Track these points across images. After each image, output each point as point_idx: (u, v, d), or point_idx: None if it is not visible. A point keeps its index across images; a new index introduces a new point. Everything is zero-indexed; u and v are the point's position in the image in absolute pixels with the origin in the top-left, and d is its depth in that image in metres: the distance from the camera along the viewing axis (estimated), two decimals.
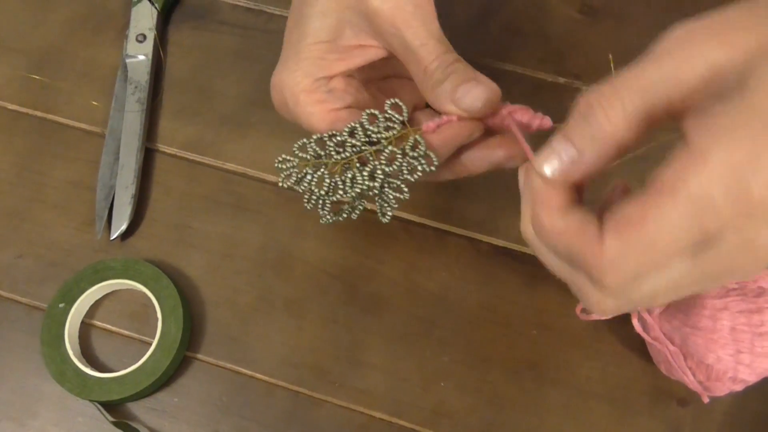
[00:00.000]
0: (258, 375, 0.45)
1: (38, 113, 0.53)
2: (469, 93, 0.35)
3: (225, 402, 0.45)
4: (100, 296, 0.48)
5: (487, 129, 0.38)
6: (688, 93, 0.27)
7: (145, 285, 0.46)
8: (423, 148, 0.36)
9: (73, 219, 0.50)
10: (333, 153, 0.37)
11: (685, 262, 0.27)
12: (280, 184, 0.38)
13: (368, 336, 0.46)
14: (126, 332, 0.47)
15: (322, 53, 0.37)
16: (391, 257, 0.47)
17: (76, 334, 0.47)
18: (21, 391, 0.46)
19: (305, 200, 0.39)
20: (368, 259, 0.47)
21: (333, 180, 0.37)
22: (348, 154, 0.37)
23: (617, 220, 0.27)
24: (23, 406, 0.45)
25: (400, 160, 0.37)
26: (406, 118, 0.37)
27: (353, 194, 0.37)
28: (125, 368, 0.44)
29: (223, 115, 0.52)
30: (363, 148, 0.37)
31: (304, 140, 0.37)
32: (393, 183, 0.37)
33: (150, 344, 0.45)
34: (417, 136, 0.36)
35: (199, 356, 0.46)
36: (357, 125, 0.37)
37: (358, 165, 0.37)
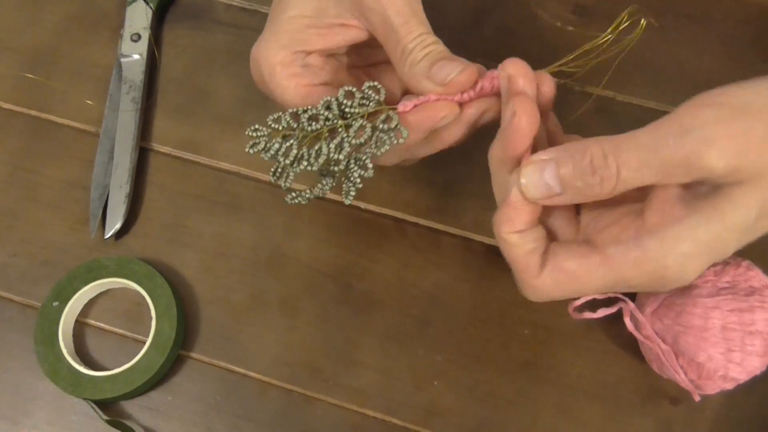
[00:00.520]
0: (251, 374, 0.45)
1: (32, 112, 0.53)
2: (444, 67, 0.35)
3: (218, 400, 0.45)
4: (94, 295, 0.48)
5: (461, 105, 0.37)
6: (687, 180, 0.31)
7: (139, 284, 0.46)
8: (395, 122, 0.36)
9: (67, 218, 0.50)
10: (305, 126, 0.37)
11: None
12: (247, 150, 0.38)
13: (361, 335, 0.46)
14: (120, 331, 0.47)
15: (301, 27, 0.37)
16: (384, 256, 0.47)
17: (70, 332, 0.47)
18: (15, 389, 0.46)
19: (271, 172, 0.38)
20: (361, 258, 0.48)
21: (300, 151, 0.37)
22: (319, 127, 0.37)
23: (556, 267, 0.34)
24: (17, 405, 0.45)
25: (369, 133, 0.36)
26: (382, 98, 0.37)
27: (318, 165, 0.37)
28: (119, 367, 0.44)
29: (217, 115, 0.52)
30: (335, 122, 0.37)
31: (280, 113, 0.37)
32: (359, 158, 0.37)
33: (144, 343, 0.45)
34: (390, 112, 0.36)
35: (193, 355, 0.46)
36: (332, 99, 0.37)
37: (327, 137, 0.37)
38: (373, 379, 0.45)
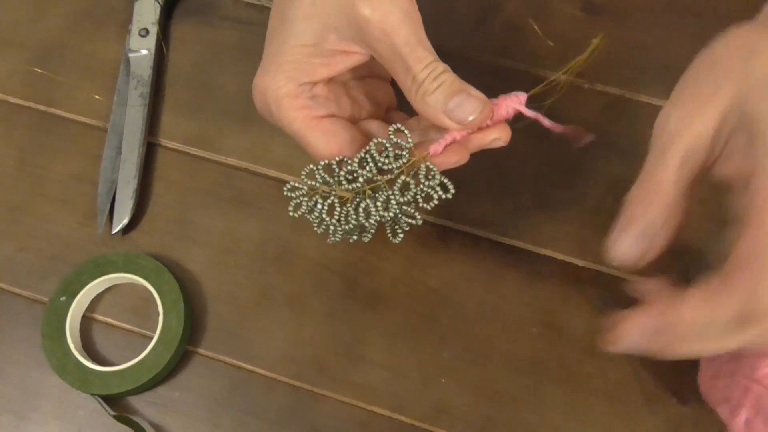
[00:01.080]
0: (258, 370, 0.45)
1: (40, 107, 0.53)
2: (460, 106, 0.36)
3: (225, 396, 0.45)
4: (101, 290, 0.48)
5: None
6: (708, 146, 0.32)
7: (147, 279, 0.46)
8: (439, 178, 0.37)
9: (74, 213, 0.50)
10: (343, 182, 0.37)
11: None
12: (291, 214, 0.38)
13: (369, 332, 0.46)
14: (127, 326, 0.47)
15: (305, 57, 0.37)
16: (391, 253, 0.47)
17: (78, 327, 0.47)
18: (22, 384, 0.46)
19: (315, 226, 0.38)
20: (369, 254, 0.47)
21: (345, 209, 0.37)
22: (359, 185, 0.37)
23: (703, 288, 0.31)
24: (24, 400, 0.45)
25: (414, 189, 0.37)
26: (411, 145, 0.37)
27: (367, 224, 0.37)
28: (126, 362, 0.44)
29: (225, 110, 0.52)
30: (376, 178, 0.37)
31: (312, 166, 0.37)
32: (407, 211, 0.37)
33: (151, 338, 0.45)
34: (429, 164, 0.37)
35: (200, 351, 0.46)
36: (367, 156, 0.37)
37: (371, 195, 0.37)
38: (381, 376, 0.45)
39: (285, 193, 0.38)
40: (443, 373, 0.45)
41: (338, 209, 0.37)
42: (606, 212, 0.47)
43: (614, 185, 0.48)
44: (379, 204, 0.37)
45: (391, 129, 0.37)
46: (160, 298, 0.46)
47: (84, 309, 0.47)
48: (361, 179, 0.37)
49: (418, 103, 0.36)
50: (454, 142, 0.37)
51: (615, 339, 0.34)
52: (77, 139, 0.52)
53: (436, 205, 0.37)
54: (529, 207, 0.48)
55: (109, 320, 0.47)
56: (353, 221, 0.37)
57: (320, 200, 0.37)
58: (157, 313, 0.45)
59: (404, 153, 0.37)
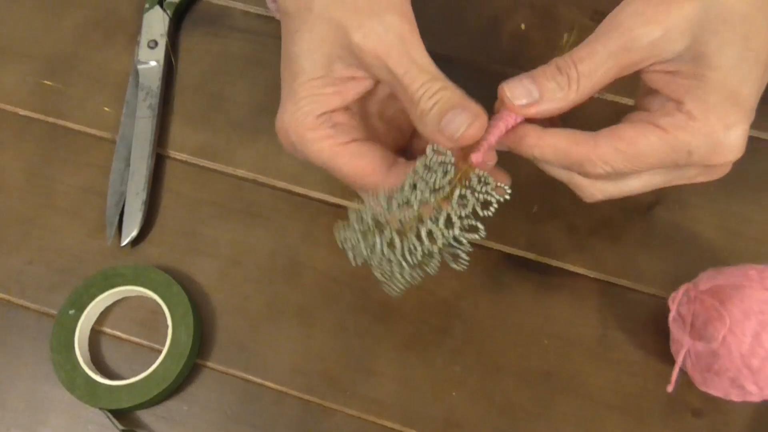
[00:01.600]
0: (268, 383, 0.45)
1: (49, 119, 0.53)
2: (452, 121, 0.35)
3: (235, 410, 0.45)
4: (110, 303, 0.47)
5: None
6: (641, 58, 0.35)
7: (156, 292, 0.46)
8: (492, 182, 0.36)
9: (83, 225, 0.50)
10: (396, 213, 0.35)
11: (651, 177, 0.38)
12: (353, 263, 0.36)
13: (379, 344, 0.45)
14: (136, 339, 0.47)
15: (317, 89, 0.37)
16: None
17: (86, 341, 0.46)
18: (31, 398, 0.46)
19: (378, 274, 0.37)
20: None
21: (407, 239, 0.35)
22: (415, 210, 0.35)
23: (615, 135, 0.35)
24: (33, 414, 0.45)
25: (470, 199, 0.36)
26: (452, 159, 0.36)
27: (437, 248, 0.35)
28: (135, 376, 0.44)
29: (234, 122, 0.52)
30: (430, 199, 0.35)
31: (357, 211, 0.36)
32: (466, 224, 0.36)
33: (160, 352, 0.45)
34: (480, 171, 0.36)
35: (209, 364, 0.46)
36: (417, 177, 0.35)
37: (431, 218, 0.35)
38: (391, 389, 0.44)
39: (340, 244, 0.37)
40: (454, 386, 0.44)
41: (398, 242, 0.35)
42: (617, 224, 0.47)
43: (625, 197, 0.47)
44: (441, 224, 0.35)
45: (429, 147, 0.36)
46: (169, 311, 0.45)
47: (93, 322, 0.47)
48: (416, 204, 0.35)
49: (418, 123, 0.36)
50: (489, 146, 0.36)
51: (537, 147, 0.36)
52: (86, 150, 0.52)
53: (495, 211, 0.36)
54: (540, 218, 0.47)
55: (118, 333, 0.47)
56: (418, 252, 0.35)
57: (377, 238, 0.35)
58: (166, 326, 0.45)
59: (449, 167, 0.36)
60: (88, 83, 0.54)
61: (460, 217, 0.36)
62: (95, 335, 0.47)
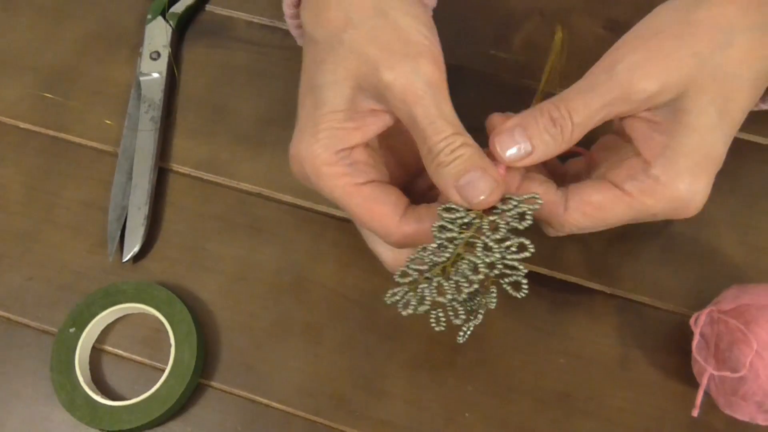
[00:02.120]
0: (274, 404, 0.44)
1: (50, 132, 0.52)
2: (471, 183, 0.34)
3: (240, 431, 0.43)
4: (111, 320, 0.46)
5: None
6: (633, 109, 0.36)
7: (158, 309, 0.45)
8: (516, 197, 0.35)
9: (84, 240, 0.48)
10: (435, 258, 0.35)
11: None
12: (403, 313, 0.36)
13: (389, 363, 0.44)
14: (138, 358, 0.45)
15: (339, 123, 0.36)
16: None
17: (87, 360, 0.45)
18: (30, 419, 0.44)
19: (433, 322, 0.36)
20: (388, 282, 0.45)
21: (452, 280, 0.35)
22: (452, 250, 0.35)
23: (583, 200, 0.36)
24: None
25: (501, 221, 0.35)
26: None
27: (478, 281, 0.35)
28: (137, 396, 0.43)
29: (238, 134, 0.51)
30: (461, 236, 0.35)
31: (403, 268, 0.36)
32: (511, 245, 0.35)
33: (163, 371, 0.43)
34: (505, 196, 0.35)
35: (214, 384, 0.44)
36: (444, 222, 0.35)
37: (468, 252, 0.35)
38: (402, 410, 0.43)
39: (388, 301, 0.36)
40: (467, 407, 0.43)
41: (445, 284, 0.35)
42: (633, 239, 0.46)
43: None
44: (479, 253, 0.35)
45: (438, 207, 0.36)
46: (172, 329, 0.44)
47: (94, 340, 0.46)
48: (450, 245, 0.35)
49: (432, 171, 0.35)
50: (505, 168, 0.36)
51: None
52: (87, 164, 0.51)
53: (531, 221, 0.35)
54: None
55: (120, 352, 0.46)
56: (465, 286, 0.35)
57: (425, 285, 0.36)
58: (169, 345, 0.44)
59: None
60: (90, 96, 0.53)
61: (496, 240, 0.35)
62: (96, 354, 0.46)
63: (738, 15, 0.35)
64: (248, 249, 0.47)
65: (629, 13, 0.53)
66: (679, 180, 0.35)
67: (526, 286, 0.35)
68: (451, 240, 0.35)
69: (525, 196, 0.35)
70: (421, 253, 0.36)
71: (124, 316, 0.46)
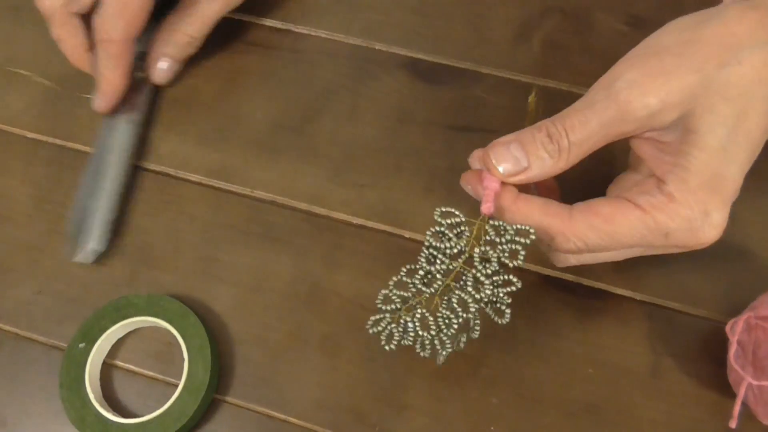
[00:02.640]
0: (291, 419, 0.42)
1: (57, 141, 0.51)
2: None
3: None
4: (122, 335, 0.45)
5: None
6: (635, 129, 0.34)
7: (170, 322, 0.43)
8: (512, 229, 0.34)
9: None
10: (423, 288, 0.35)
11: (626, 249, 0.37)
12: (387, 349, 0.36)
13: (409, 375, 0.42)
14: (150, 373, 0.44)
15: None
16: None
17: (97, 375, 0.44)
18: None
19: (418, 349, 0.36)
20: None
21: (440, 314, 0.35)
22: (440, 282, 0.35)
23: (591, 210, 0.35)
24: None
25: (495, 254, 0.34)
26: (463, 218, 0.35)
27: (470, 314, 0.35)
28: (149, 412, 0.41)
29: (250, 140, 0.49)
30: (451, 266, 0.35)
31: (384, 291, 0.36)
32: (498, 280, 0.35)
33: (176, 386, 0.42)
34: (495, 221, 0.35)
35: (228, 399, 0.43)
36: (431, 251, 0.35)
37: (457, 285, 0.35)
38: (424, 423, 0.41)
39: (370, 330, 0.36)
40: (492, 420, 0.41)
41: (431, 319, 0.35)
42: None
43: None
44: (470, 289, 0.34)
45: (436, 212, 0.35)
46: (185, 342, 0.43)
47: (104, 356, 0.44)
48: (438, 275, 0.35)
49: None
50: (495, 194, 0.36)
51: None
52: None
53: (524, 258, 0.35)
54: None
55: (131, 367, 0.44)
56: (455, 322, 0.35)
57: (408, 318, 0.35)
58: (182, 359, 0.42)
59: (463, 228, 0.35)
60: None
61: (487, 275, 0.34)
62: (107, 369, 0.44)
63: (747, 33, 0.33)
64: (262, 258, 0.46)
65: (652, 8, 0.52)
66: (691, 198, 0.34)
67: (508, 314, 0.35)
68: (438, 272, 0.35)
69: (519, 226, 0.34)
70: (405, 278, 0.35)
71: (135, 330, 0.45)
